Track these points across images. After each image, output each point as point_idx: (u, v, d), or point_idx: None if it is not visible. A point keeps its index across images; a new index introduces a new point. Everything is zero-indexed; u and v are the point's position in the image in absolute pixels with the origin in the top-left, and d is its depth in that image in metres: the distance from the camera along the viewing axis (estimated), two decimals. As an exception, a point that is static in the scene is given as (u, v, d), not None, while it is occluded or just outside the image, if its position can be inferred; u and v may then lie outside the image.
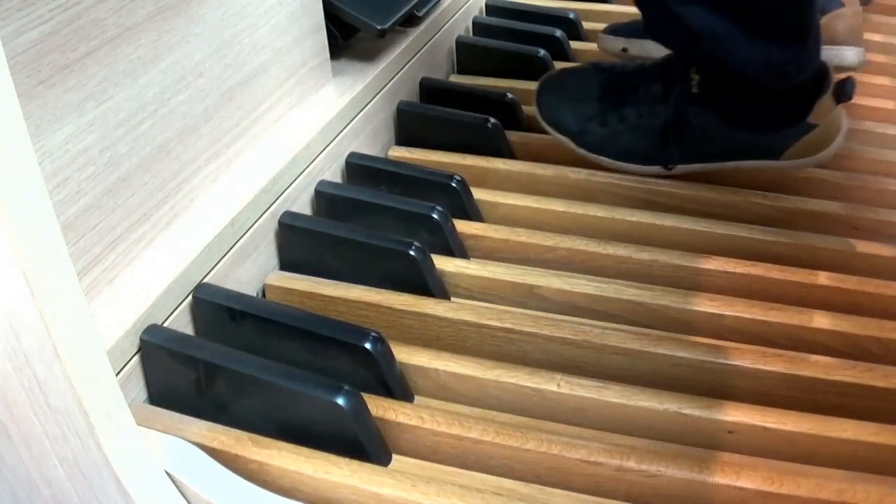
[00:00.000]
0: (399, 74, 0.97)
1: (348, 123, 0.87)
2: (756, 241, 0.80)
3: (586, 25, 1.21)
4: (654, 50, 0.91)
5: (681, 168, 0.86)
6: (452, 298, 0.76)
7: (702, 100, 0.83)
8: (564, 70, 0.94)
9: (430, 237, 0.78)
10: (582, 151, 0.88)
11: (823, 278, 0.75)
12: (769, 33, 0.77)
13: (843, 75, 0.82)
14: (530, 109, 1.00)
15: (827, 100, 0.81)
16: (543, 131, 0.98)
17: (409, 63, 1.00)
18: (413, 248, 0.73)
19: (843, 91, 0.81)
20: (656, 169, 0.87)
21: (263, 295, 0.75)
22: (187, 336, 0.66)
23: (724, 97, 0.82)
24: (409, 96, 1.00)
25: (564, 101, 0.90)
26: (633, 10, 1.24)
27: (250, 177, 0.75)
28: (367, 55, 0.95)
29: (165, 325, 0.65)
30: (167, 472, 0.55)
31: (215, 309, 0.67)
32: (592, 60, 0.95)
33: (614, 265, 0.78)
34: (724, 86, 0.82)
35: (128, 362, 0.61)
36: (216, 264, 0.70)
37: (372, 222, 0.80)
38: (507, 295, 0.75)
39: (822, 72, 0.82)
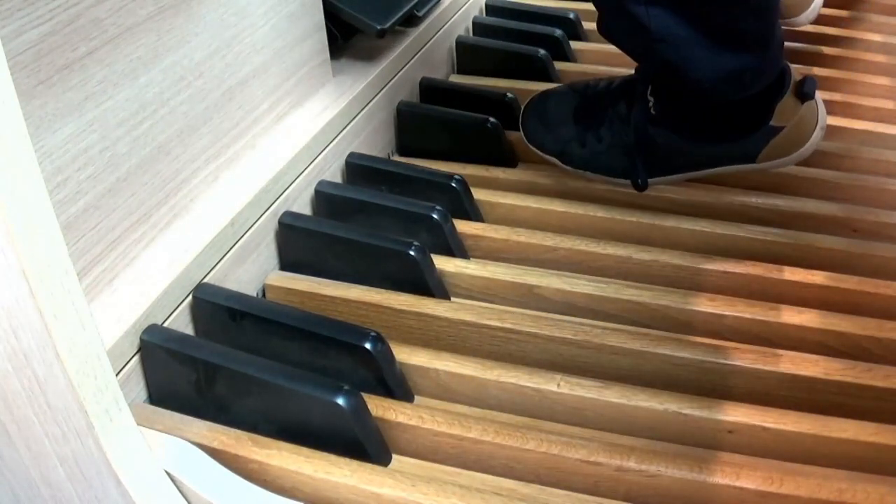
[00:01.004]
0: (399, 74, 0.97)
1: (348, 123, 0.87)
2: (756, 241, 0.80)
3: (586, 25, 1.20)
4: None
5: (658, 180, 0.85)
6: (452, 298, 0.76)
7: (660, 120, 0.82)
8: (544, 93, 0.92)
9: (430, 237, 0.78)
10: (569, 168, 0.88)
11: (823, 278, 0.75)
12: (729, 41, 0.74)
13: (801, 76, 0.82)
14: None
15: (788, 100, 0.79)
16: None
17: (409, 63, 1.00)
18: (413, 248, 0.73)
19: (803, 91, 0.79)
20: (621, 183, 0.86)
21: (263, 295, 0.75)
22: (187, 336, 0.66)
23: (682, 114, 0.81)
24: (409, 96, 1.00)
25: (545, 125, 0.89)
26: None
27: (250, 177, 0.75)
28: (367, 55, 0.95)
29: (165, 325, 0.65)
30: (167, 472, 0.55)
31: (215, 309, 0.67)
32: (571, 81, 0.95)
33: (614, 265, 0.78)
34: (680, 99, 0.80)
35: (128, 362, 0.61)
36: (216, 264, 0.70)
37: (372, 222, 0.80)
38: (507, 295, 0.75)
39: (781, 73, 0.80)
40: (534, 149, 0.90)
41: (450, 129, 0.95)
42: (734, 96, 0.78)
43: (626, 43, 0.82)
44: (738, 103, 0.79)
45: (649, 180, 0.85)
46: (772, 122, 0.80)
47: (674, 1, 0.73)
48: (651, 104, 0.82)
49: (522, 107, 0.93)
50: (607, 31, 0.82)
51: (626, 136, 0.84)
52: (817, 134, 0.83)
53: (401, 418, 0.61)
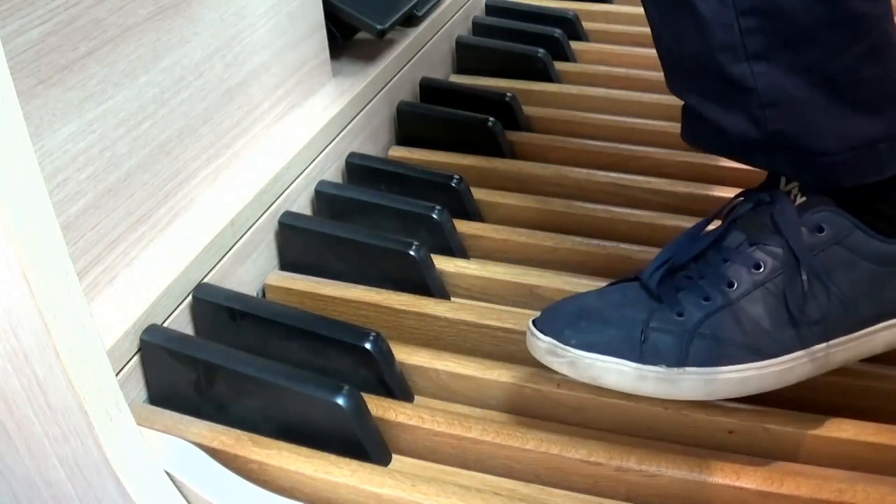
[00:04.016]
0: (399, 74, 0.97)
1: (348, 123, 0.87)
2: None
3: (586, 25, 1.21)
4: None
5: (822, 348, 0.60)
6: (452, 298, 0.76)
7: (817, 203, 0.59)
8: (571, 296, 0.65)
9: (430, 237, 0.78)
10: (653, 371, 0.58)
11: (823, 278, 0.74)
12: (853, 97, 0.56)
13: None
14: (530, 109, 1.00)
15: None
16: (544, 130, 0.98)
17: (409, 63, 1.00)
18: (413, 248, 0.73)
19: None
20: (785, 363, 0.59)
21: (263, 295, 0.75)
22: (187, 336, 0.66)
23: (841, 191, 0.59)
24: (409, 96, 1.00)
25: (599, 313, 0.61)
26: (632, 10, 1.24)
27: (250, 177, 0.75)
28: (367, 55, 0.95)
29: (165, 325, 0.65)
30: (167, 472, 0.55)
31: (215, 309, 0.67)
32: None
33: (615, 264, 0.78)
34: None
35: (128, 362, 0.61)
36: (216, 264, 0.70)
37: (372, 222, 0.80)
38: (507, 295, 0.75)
39: None
40: (580, 354, 0.59)
41: (450, 128, 0.95)
42: (871, 177, 0.58)
43: (723, 120, 0.58)
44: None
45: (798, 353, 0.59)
46: None
47: (781, 52, 0.56)
48: (794, 190, 0.60)
49: (535, 320, 0.62)
50: (693, 135, 0.62)
51: (752, 272, 0.59)
52: None
53: (401, 418, 0.61)
